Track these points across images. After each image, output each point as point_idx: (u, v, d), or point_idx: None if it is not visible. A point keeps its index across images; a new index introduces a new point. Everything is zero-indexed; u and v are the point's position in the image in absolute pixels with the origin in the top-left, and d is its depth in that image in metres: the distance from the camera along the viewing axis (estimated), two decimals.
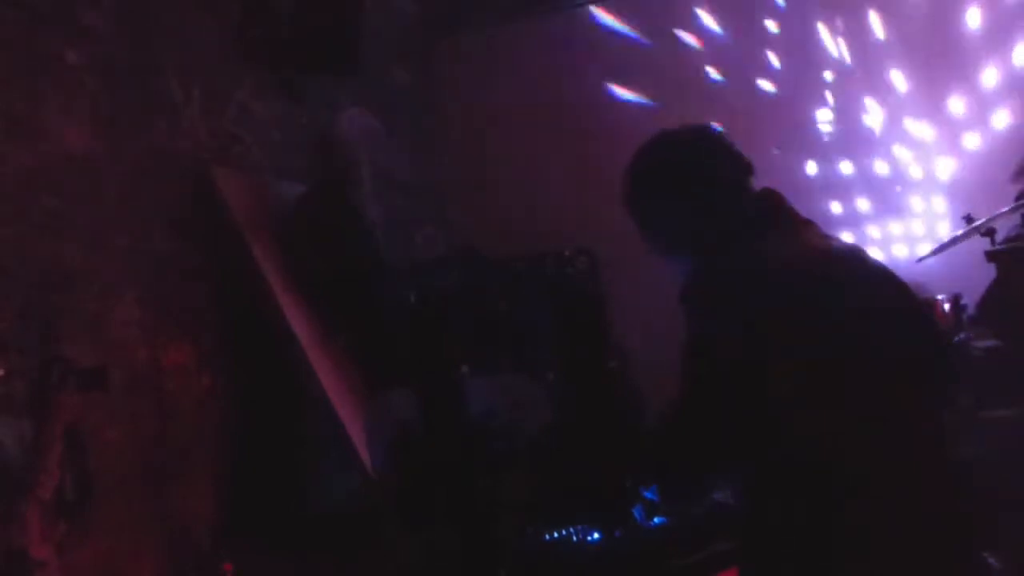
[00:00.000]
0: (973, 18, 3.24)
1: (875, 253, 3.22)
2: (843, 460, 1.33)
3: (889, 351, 1.39)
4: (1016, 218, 2.81)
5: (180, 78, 2.67)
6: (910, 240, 3.38)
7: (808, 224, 1.52)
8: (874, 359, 1.37)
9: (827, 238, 1.52)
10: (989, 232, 2.79)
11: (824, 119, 3.41)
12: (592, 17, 3.58)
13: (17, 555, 1.75)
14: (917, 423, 1.40)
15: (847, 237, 3.24)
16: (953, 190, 3.30)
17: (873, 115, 3.38)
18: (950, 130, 3.30)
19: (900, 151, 3.38)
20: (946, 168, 3.33)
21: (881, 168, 3.41)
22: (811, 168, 3.45)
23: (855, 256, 1.50)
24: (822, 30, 3.39)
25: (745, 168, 1.55)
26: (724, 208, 1.50)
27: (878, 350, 1.38)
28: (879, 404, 1.36)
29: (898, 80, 3.35)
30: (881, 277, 1.49)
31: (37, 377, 1.90)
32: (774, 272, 1.42)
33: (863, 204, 3.44)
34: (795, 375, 1.34)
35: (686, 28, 3.48)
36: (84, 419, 1.93)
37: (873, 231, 3.43)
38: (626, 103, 3.46)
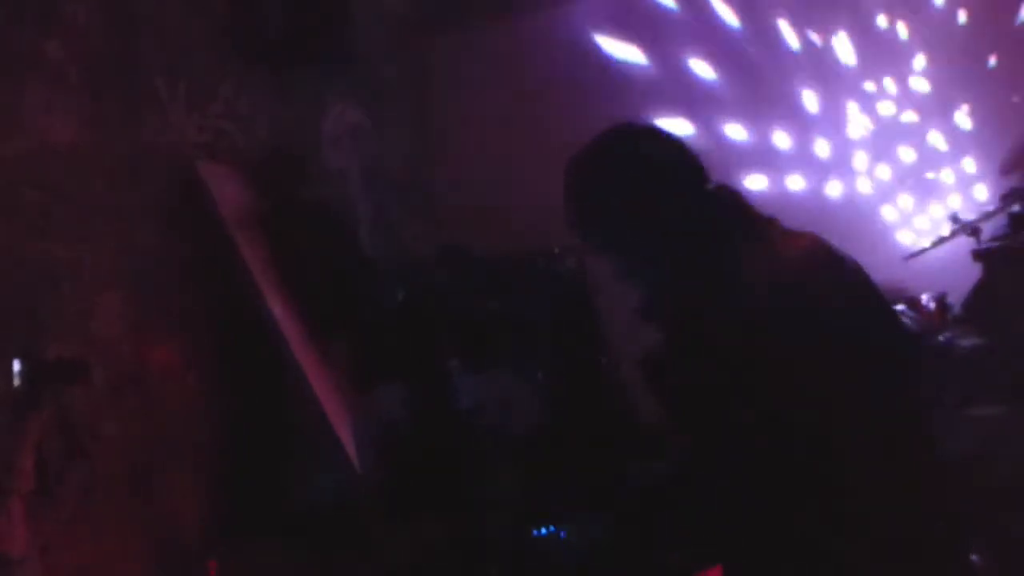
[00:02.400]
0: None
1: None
2: (828, 460, 1.34)
3: (862, 348, 1.39)
4: (1003, 217, 2.83)
5: (166, 72, 2.64)
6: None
7: (770, 222, 1.49)
8: (848, 357, 1.38)
9: (791, 235, 1.49)
10: (975, 231, 2.82)
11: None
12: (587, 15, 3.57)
13: None
14: (902, 421, 1.40)
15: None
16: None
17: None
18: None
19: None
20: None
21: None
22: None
23: (821, 254, 1.48)
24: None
25: (698, 169, 1.51)
26: (679, 213, 1.45)
27: (852, 348, 1.38)
28: (857, 403, 1.37)
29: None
30: (849, 273, 1.48)
31: (17, 372, 1.87)
32: (742, 281, 1.41)
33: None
34: (774, 381, 1.34)
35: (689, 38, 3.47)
36: (72, 414, 1.91)
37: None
38: (622, 100, 3.45)
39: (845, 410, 1.34)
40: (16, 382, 1.83)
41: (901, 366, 1.46)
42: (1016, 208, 2.80)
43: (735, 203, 1.48)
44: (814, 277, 1.42)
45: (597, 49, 3.52)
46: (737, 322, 1.34)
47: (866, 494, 1.32)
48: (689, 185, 1.47)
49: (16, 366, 1.82)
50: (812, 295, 1.39)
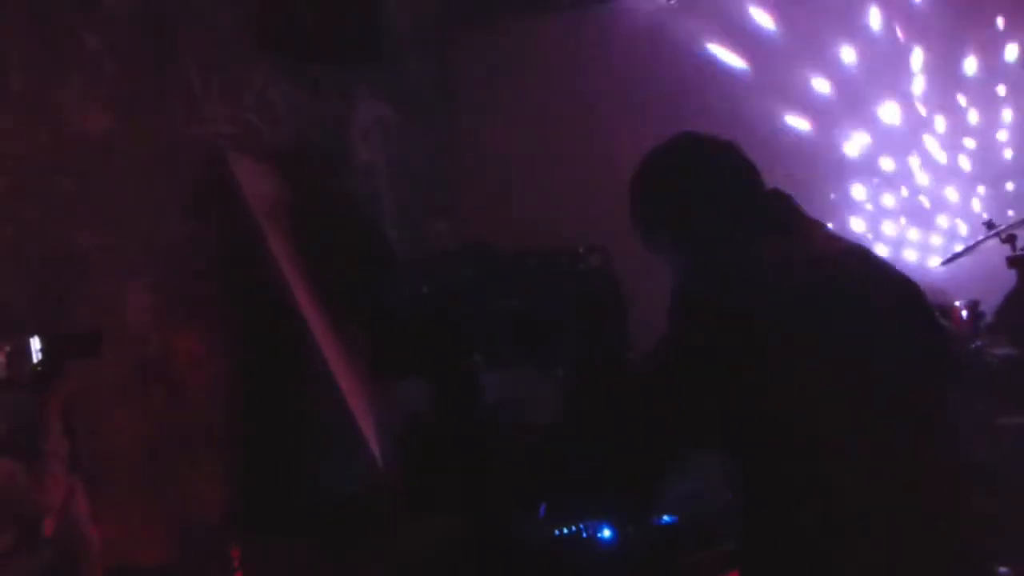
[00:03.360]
0: None
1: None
2: (840, 462, 1.32)
3: (888, 353, 1.38)
4: None
5: (199, 64, 2.68)
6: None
7: (815, 225, 1.51)
8: (873, 362, 1.36)
9: (833, 239, 1.50)
10: (1010, 238, 2.76)
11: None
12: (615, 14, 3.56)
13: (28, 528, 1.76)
14: (918, 424, 1.39)
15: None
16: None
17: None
18: None
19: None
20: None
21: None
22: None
23: (859, 257, 1.48)
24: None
25: (755, 175, 1.55)
26: (731, 213, 1.49)
27: (877, 352, 1.37)
28: (878, 405, 1.35)
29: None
30: (885, 278, 1.47)
31: (42, 350, 1.89)
32: (773, 275, 1.40)
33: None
34: (793, 378, 1.33)
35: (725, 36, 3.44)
36: (84, 393, 1.93)
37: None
38: (647, 100, 3.43)
39: (846, 411, 1.33)
40: (37, 357, 1.85)
41: (929, 375, 1.44)
42: None
43: (782, 204, 1.50)
44: (836, 277, 1.41)
45: (622, 52, 3.51)
46: (738, 319, 1.34)
47: (865, 494, 1.31)
48: (734, 190, 1.50)
49: (36, 342, 1.84)
50: (827, 294, 1.38)
